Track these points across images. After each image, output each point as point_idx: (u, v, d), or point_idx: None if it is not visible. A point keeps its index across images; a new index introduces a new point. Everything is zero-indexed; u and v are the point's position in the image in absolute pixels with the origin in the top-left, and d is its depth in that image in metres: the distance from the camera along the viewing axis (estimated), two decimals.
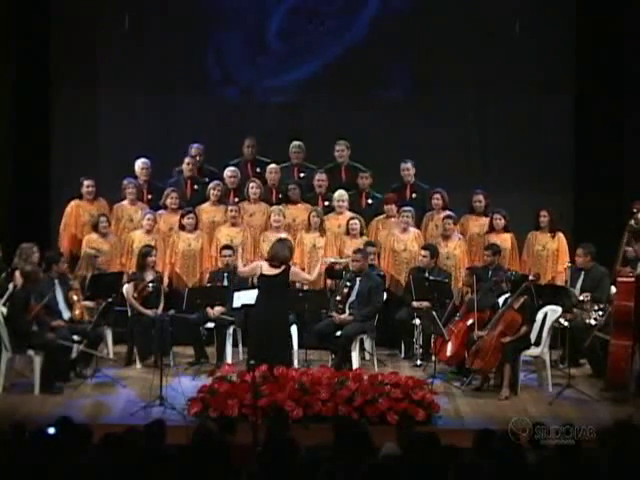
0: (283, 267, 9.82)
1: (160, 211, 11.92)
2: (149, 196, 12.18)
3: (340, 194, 11.84)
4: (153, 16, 12.94)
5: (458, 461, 5.75)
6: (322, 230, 11.65)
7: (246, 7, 13.13)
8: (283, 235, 11.08)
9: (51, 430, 6.37)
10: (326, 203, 12.00)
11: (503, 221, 11.58)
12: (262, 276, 9.86)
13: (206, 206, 11.97)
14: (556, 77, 12.91)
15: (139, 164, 12.15)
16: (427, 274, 11.11)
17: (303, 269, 11.29)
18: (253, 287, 10.36)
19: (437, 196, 11.82)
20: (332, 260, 11.35)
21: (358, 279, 10.89)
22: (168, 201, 11.85)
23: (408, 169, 12.07)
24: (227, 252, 11.26)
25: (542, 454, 6.19)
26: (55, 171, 13.05)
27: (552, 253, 11.55)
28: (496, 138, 13.07)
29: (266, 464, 5.85)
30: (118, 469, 5.83)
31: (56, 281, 10.56)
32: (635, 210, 10.83)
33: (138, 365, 10.95)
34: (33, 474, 5.85)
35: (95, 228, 11.65)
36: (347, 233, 11.64)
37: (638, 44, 12.57)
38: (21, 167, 12.84)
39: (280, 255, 9.87)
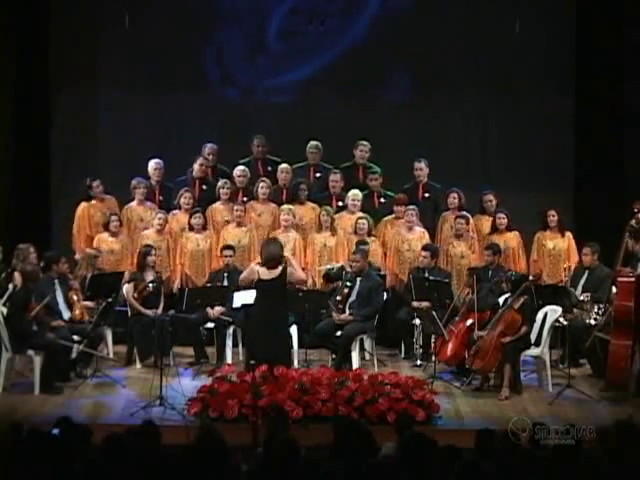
0: (280, 269, 9.76)
1: (174, 211, 11.85)
2: (160, 197, 12.10)
3: (354, 193, 11.76)
4: (153, 16, 12.92)
5: (459, 461, 5.74)
6: (333, 230, 11.60)
7: (246, 7, 13.13)
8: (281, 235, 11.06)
9: (55, 432, 6.35)
10: (340, 203, 11.93)
11: (506, 220, 11.57)
12: (260, 281, 9.72)
13: (218, 206, 11.89)
14: (556, 77, 12.91)
15: (152, 164, 12.07)
16: (427, 274, 11.11)
17: (303, 268, 11.36)
18: (253, 287, 10.32)
19: (454, 195, 11.76)
20: (326, 267, 11.33)
21: (358, 279, 10.87)
22: (182, 201, 11.75)
23: (421, 168, 11.99)
24: (227, 252, 11.23)
25: (542, 454, 6.18)
26: (55, 171, 13.04)
27: (563, 252, 11.54)
28: (496, 138, 13.07)
29: (266, 464, 5.85)
30: (118, 469, 5.83)
31: (56, 281, 10.57)
32: (636, 210, 10.81)
33: (138, 365, 10.94)
34: (33, 474, 5.85)
35: (106, 227, 11.63)
36: (355, 232, 11.57)
37: (638, 44, 12.56)
38: (21, 167, 12.83)
39: (276, 255, 9.76)
